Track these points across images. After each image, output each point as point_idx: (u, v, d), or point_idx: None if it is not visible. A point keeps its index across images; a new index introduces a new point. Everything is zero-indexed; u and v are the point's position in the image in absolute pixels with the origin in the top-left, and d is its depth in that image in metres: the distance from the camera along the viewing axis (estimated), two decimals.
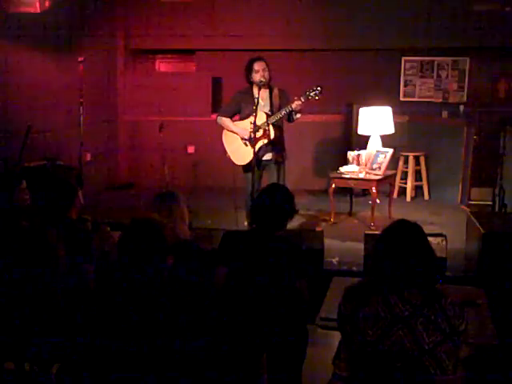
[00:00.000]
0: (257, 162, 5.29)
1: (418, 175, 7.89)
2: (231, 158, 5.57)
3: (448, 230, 5.09)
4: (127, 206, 7.24)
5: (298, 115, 5.35)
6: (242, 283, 3.05)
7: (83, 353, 2.16)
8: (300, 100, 5.19)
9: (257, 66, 5.28)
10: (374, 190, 6.23)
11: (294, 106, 5.21)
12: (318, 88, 5.25)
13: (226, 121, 5.53)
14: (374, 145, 6.90)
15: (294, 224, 6.39)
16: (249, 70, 5.32)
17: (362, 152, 6.60)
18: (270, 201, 3.17)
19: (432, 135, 7.92)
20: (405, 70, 8.34)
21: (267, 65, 5.32)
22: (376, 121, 7.01)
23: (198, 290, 2.91)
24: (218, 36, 8.32)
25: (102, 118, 8.28)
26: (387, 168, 6.50)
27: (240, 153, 5.49)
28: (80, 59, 6.42)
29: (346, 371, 2.28)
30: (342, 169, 6.53)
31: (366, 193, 7.44)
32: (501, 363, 3.43)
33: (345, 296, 2.33)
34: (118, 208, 7.04)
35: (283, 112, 5.27)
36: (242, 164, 5.51)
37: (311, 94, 5.25)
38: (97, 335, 2.15)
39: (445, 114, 8.07)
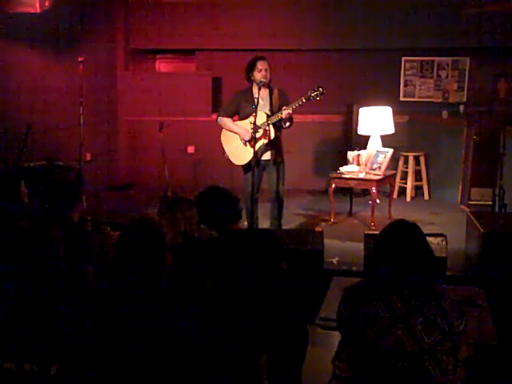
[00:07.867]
0: (256, 162, 5.29)
1: (417, 175, 7.89)
2: (229, 157, 5.57)
3: (448, 230, 5.09)
4: (127, 206, 7.25)
5: (288, 124, 5.34)
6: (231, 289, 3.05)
7: (83, 353, 2.16)
8: (289, 108, 5.17)
9: (260, 64, 5.27)
10: (373, 190, 6.23)
11: (283, 115, 5.19)
12: (320, 89, 5.23)
13: (226, 121, 5.52)
14: (374, 145, 6.90)
15: (294, 224, 6.47)
16: (252, 67, 5.30)
17: (362, 152, 6.59)
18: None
19: (432, 135, 7.92)
20: (405, 70, 8.34)
21: (269, 66, 5.33)
22: (376, 121, 7.01)
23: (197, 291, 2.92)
24: (217, 36, 8.33)
25: (102, 118, 8.27)
26: (387, 168, 6.50)
27: (238, 152, 5.48)
28: (80, 59, 6.42)
29: (346, 372, 2.28)
30: (342, 169, 6.53)
31: (366, 193, 7.44)
32: (501, 363, 3.44)
33: (345, 296, 2.33)
34: (117, 208, 7.04)
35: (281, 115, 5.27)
36: (240, 164, 5.50)
37: (312, 94, 5.24)
38: (96, 335, 2.15)
39: (445, 113, 8.07)
